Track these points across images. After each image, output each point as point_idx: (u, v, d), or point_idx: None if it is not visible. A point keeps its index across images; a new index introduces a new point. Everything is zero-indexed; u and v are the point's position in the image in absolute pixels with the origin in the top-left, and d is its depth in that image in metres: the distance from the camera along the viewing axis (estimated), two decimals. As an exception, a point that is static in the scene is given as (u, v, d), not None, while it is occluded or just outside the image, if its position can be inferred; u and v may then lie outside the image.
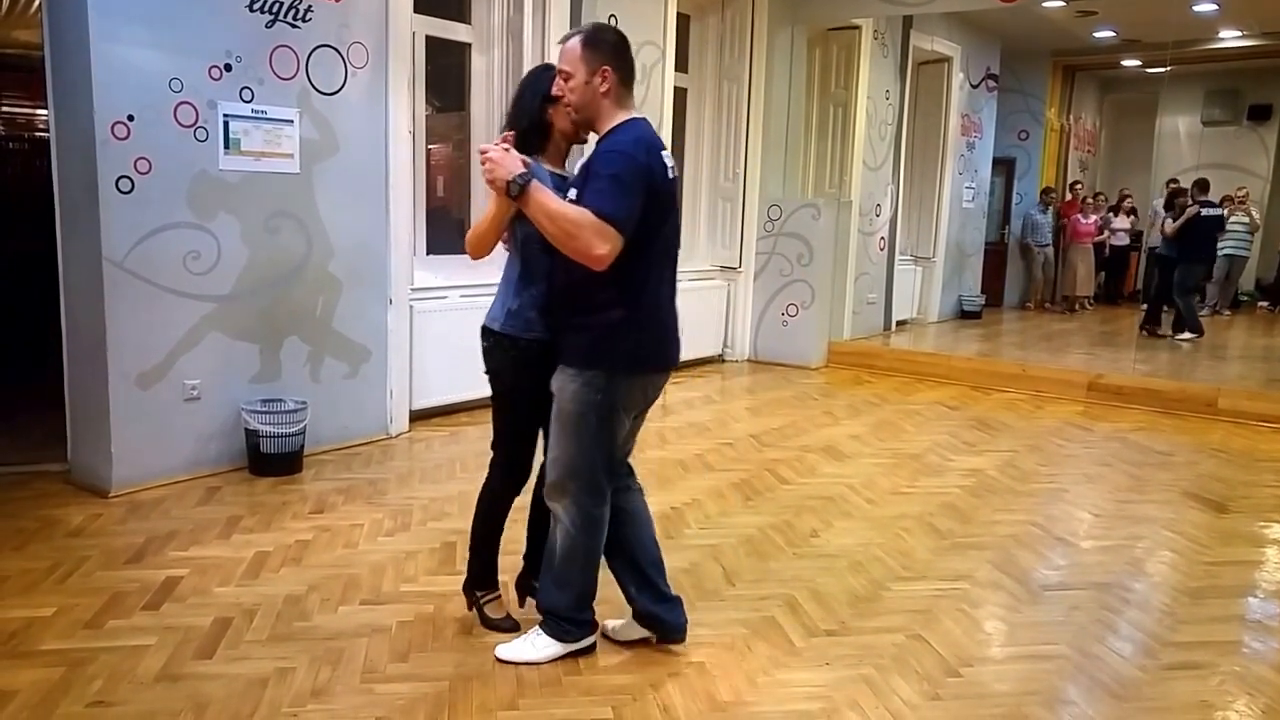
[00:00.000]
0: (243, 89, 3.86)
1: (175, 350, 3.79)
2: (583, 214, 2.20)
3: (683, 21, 6.54)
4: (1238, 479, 4.51)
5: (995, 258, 10.57)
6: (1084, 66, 10.59)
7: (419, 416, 4.92)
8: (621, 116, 2.35)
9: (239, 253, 3.94)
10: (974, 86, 9.55)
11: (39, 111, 6.29)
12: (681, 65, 6.62)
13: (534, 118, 2.44)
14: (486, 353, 2.55)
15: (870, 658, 2.59)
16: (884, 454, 4.77)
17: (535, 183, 2.26)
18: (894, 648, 2.66)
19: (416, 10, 4.69)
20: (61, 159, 3.68)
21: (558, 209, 2.23)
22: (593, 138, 2.44)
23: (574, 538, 2.46)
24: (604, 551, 2.55)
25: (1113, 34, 9.05)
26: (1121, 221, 10.23)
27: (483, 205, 2.74)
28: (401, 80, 4.49)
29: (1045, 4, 7.46)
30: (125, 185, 3.55)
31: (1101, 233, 10.27)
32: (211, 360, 3.91)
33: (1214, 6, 7.55)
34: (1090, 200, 10.47)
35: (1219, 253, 9.26)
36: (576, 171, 2.40)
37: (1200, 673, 2.58)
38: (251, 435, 3.96)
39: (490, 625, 2.66)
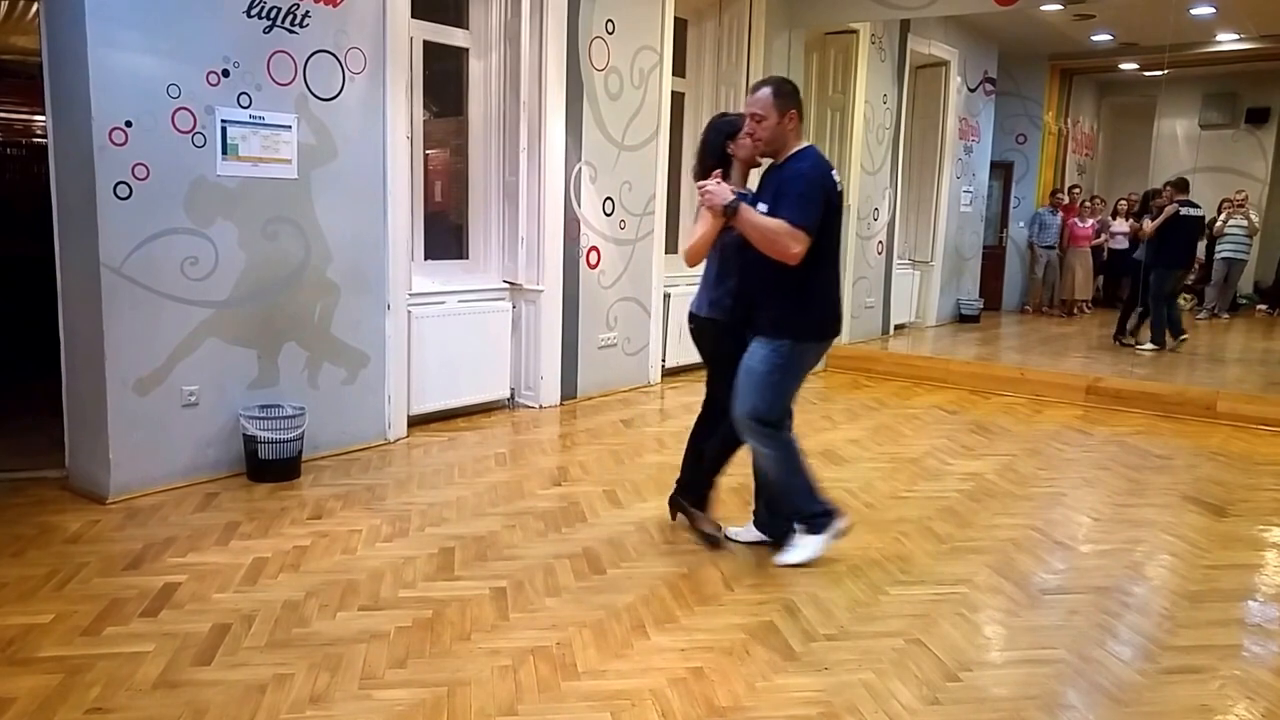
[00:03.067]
0: (240, 94, 3.87)
1: (173, 356, 3.78)
2: (780, 224, 2.95)
3: (680, 26, 6.55)
4: (1237, 482, 4.50)
5: (993, 261, 10.57)
6: (1082, 70, 10.61)
7: (417, 422, 4.92)
8: (798, 145, 3.12)
9: (237, 258, 3.94)
10: (971, 90, 9.56)
11: (37, 117, 6.30)
12: (679, 70, 6.63)
13: (720, 155, 3.23)
14: (694, 333, 3.41)
15: (869, 662, 2.59)
16: (882, 458, 4.76)
17: (743, 204, 3.02)
18: (893, 652, 2.65)
19: (414, 15, 4.69)
20: (59, 165, 3.68)
21: (762, 222, 2.99)
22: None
23: (776, 458, 3.20)
24: (754, 471, 3.38)
25: (1110, 37, 9.07)
26: (1120, 225, 10.23)
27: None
28: (399, 85, 4.50)
29: (1043, 7, 7.47)
30: (123, 191, 3.55)
31: (1099, 236, 10.27)
32: (209, 366, 3.90)
33: (1211, 10, 7.57)
34: (1088, 204, 10.48)
35: (1217, 255, 9.25)
36: (757, 188, 3.19)
37: (1200, 677, 2.58)
38: (249, 441, 3.95)
39: (701, 534, 3.45)
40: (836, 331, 3.27)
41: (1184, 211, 7.73)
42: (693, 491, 3.53)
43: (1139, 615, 2.97)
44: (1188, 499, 4.21)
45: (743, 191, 3.18)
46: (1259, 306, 10.06)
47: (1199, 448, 5.16)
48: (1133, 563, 3.42)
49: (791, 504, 3.26)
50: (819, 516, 3.24)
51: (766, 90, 3.09)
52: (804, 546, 3.25)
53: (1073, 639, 2.77)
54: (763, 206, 3.04)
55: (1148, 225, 7.87)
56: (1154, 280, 7.80)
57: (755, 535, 3.42)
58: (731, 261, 3.19)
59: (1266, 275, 9.95)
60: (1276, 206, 9.43)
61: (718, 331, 3.27)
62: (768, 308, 3.12)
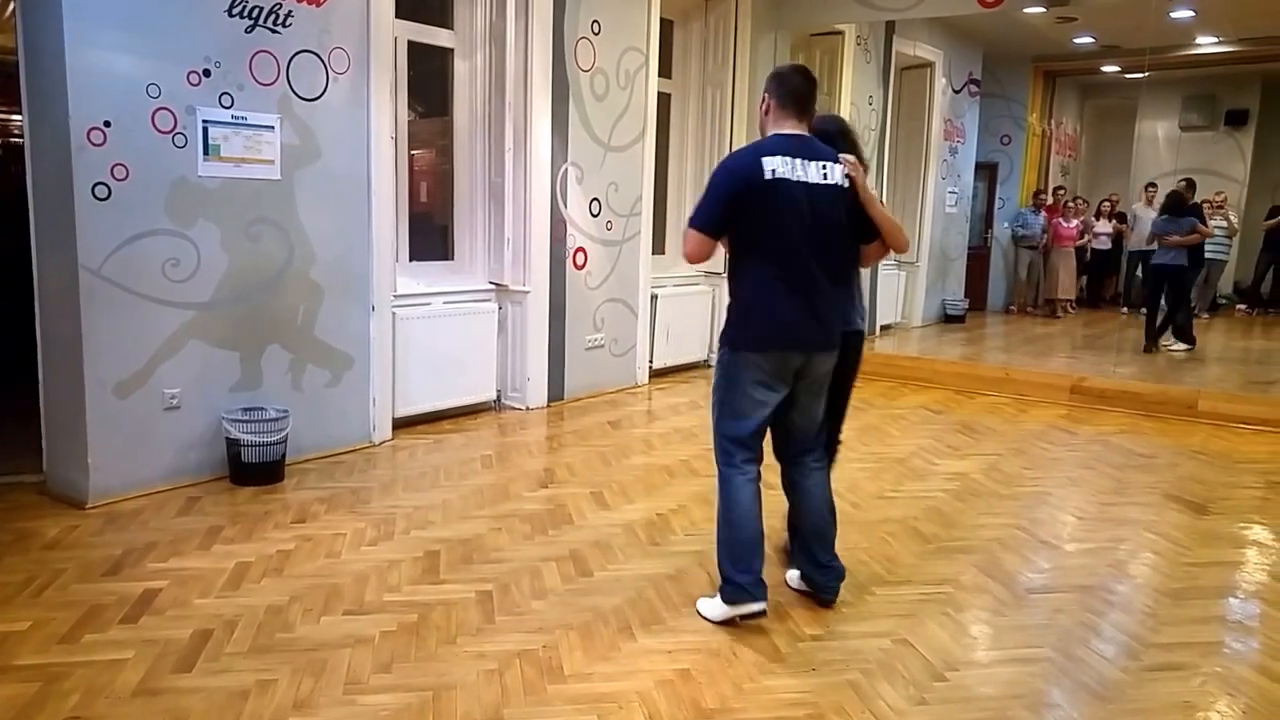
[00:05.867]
0: (222, 94, 3.83)
1: (154, 358, 3.74)
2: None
3: (666, 27, 6.54)
4: (1217, 480, 4.54)
5: (978, 262, 10.61)
6: (1065, 72, 10.68)
7: (402, 424, 4.89)
8: (770, 134, 2.77)
9: (219, 260, 3.91)
10: (956, 91, 9.61)
11: (13, 117, 6.22)
12: (665, 71, 6.63)
13: None
14: None
15: (856, 663, 2.59)
16: (869, 459, 4.77)
17: None
18: (879, 653, 2.66)
19: (398, 15, 4.67)
20: (36, 165, 3.63)
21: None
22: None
23: (719, 497, 2.83)
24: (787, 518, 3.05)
25: (1092, 40, 9.14)
26: (1103, 225, 10.31)
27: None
28: (383, 86, 4.47)
29: (1026, 10, 7.51)
30: (102, 192, 3.51)
31: (1083, 237, 10.35)
32: (191, 368, 3.87)
33: (1191, 13, 7.64)
34: (1071, 204, 10.55)
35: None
36: None
37: (1182, 674, 2.59)
38: (232, 444, 3.92)
39: None
40: (780, 344, 2.72)
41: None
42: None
43: (1122, 613, 2.99)
44: (1170, 497, 4.24)
45: None
46: (1238, 306, 10.15)
47: (1180, 446, 5.20)
48: (1116, 561, 3.44)
49: (718, 557, 2.83)
50: (730, 586, 2.75)
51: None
52: (710, 607, 2.83)
53: (1058, 637, 2.78)
54: None
55: (1206, 229, 7.87)
56: (1186, 283, 7.98)
57: (801, 585, 3.03)
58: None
59: (1245, 276, 10.04)
60: (1255, 208, 9.52)
61: None
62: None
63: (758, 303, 2.73)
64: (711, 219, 2.69)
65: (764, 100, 2.81)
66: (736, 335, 2.76)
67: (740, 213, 2.67)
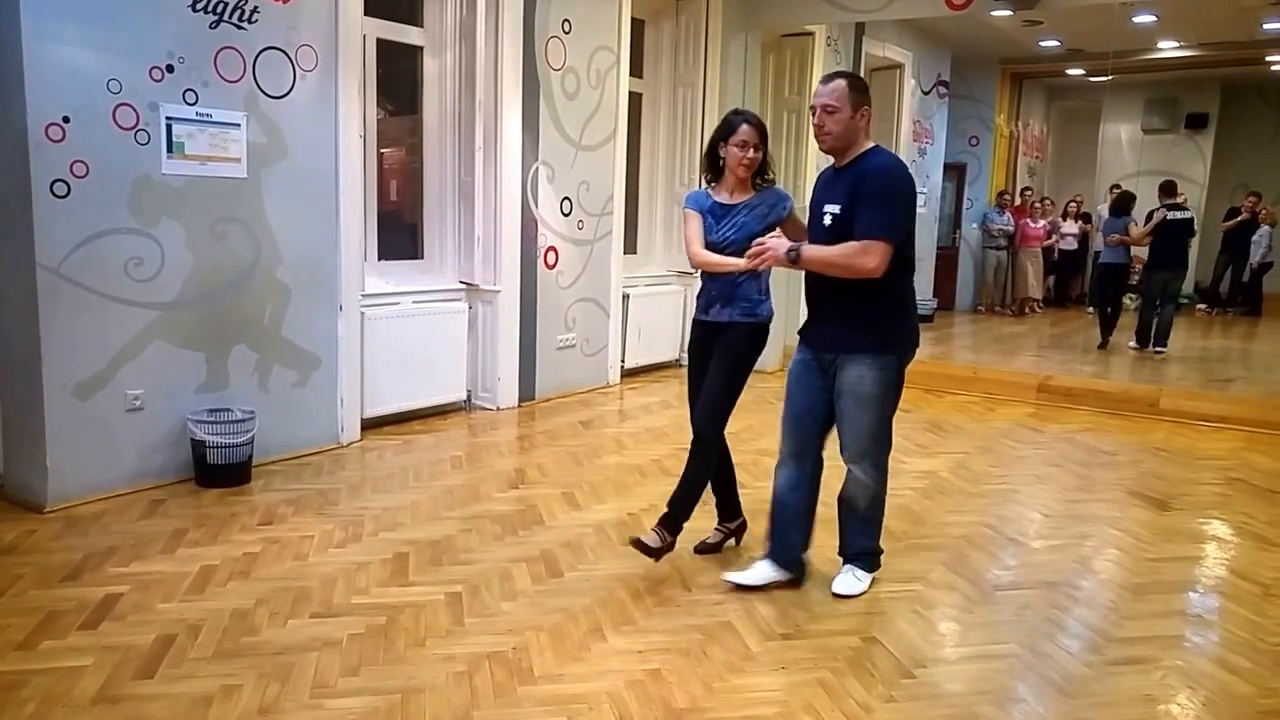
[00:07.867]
0: (186, 91, 3.77)
1: (116, 359, 3.67)
2: (849, 248, 2.78)
3: (637, 26, 6.55)
4: (1178, 477, 4.63)
5: (947, 262, 10.73)
6: (1031, 74, 10.83)
7: (370, 425, 4.84)
8: (868, 145, 2.94)
9: (183, 259, 3.84)
10: (925, 93, 9.71)
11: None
12: (636, 70, 6.63)
13: (709, 153, 3.15)
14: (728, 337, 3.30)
15: (825, 661, 2.61)
16: (836, 458, 4.78)
17: (804, 248, 2.87)
18: (849, 650, 2.67)
19: (367, 13, 4.62)
20: (-7, 162, 3.55)
21: (829, 255, 2.83)
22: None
23: (877, 489, 3.17)
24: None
25: (1057, 43, 9.28)
26: (1070, 226, 10.47)
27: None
28: (351, 83, 4.42)
29: (993, 13, 7.60)
30: (60, 189, 3.43)
31: (1050, 237, 10.50)
32: (155, 369, 3.80)
33: (1153, 18, 7.78)
34: (1039, 205, 10.70)
35: None
36: (820, 186, 3.01)
37: (1144, 667, 2.64)
38: (198, 446, 3.86)
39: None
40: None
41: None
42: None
43: (1086, 609, 3.03)
44: (1133, 494, 4.32)
45: (728, 203, 3.12)
46: (1199, 306, 10.37)
47: (1143, 443, 5.30)
48: (1081, 557, 3.50)
49: (869, 540, 3.21)
50: (879, 555, 3.22)
51: (841, 82, 2.92)
52: (861, 580, 3.14)
53: (1024, 633, 2.82)
54: (833, 208, 2.86)
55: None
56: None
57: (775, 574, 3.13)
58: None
59: (1205, 276, 10.25)
60: (1214, 209, 9.73)
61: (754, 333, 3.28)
62: (871, 323, 2.91)
63: (913, 306, 3.07)
64: (901, 229, 2.85)
65: (863, 109, 2.88)
66: (907, 339, 3.06)
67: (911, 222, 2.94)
